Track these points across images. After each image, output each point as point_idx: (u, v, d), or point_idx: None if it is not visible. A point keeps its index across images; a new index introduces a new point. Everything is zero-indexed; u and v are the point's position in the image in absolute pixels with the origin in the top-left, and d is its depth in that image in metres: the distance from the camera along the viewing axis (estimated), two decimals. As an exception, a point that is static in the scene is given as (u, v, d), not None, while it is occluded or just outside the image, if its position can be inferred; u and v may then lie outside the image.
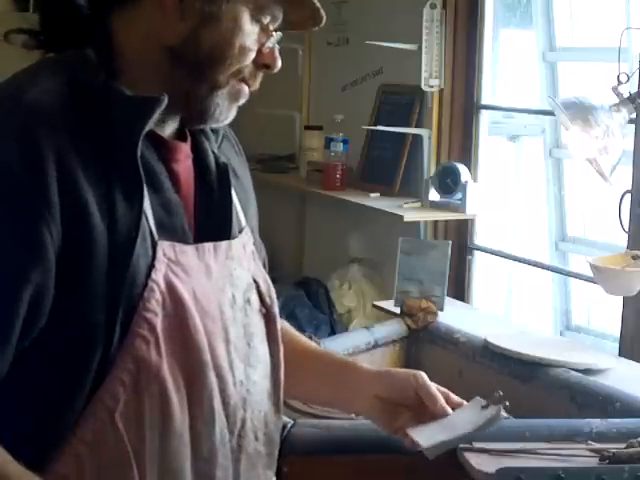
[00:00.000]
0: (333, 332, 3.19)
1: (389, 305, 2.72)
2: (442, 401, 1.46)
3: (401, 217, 3.05)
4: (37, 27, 1.25)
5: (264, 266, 1.50)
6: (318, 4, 1.28)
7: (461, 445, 1.67)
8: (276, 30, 1.26)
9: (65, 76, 1.18)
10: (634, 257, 2.32)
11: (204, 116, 1.25)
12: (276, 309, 1.38)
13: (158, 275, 1.17)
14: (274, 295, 1.38)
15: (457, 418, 1.45)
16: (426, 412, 1.46)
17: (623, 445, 1.67)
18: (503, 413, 1.45)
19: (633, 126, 2.45)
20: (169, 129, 1.26)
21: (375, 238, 3.50)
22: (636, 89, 2.35)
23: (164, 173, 1.23)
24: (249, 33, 1.22)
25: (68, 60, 1.21)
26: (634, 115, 2.37)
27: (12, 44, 1.24)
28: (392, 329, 2.56)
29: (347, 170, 3.45)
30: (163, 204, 1.21)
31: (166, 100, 1.19)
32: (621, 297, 2.51)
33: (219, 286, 1.25)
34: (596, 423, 1.79)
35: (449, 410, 1.45)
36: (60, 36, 1.23)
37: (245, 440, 1.29)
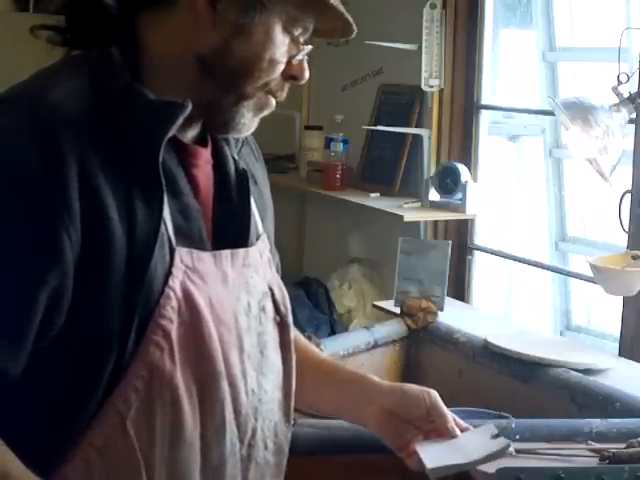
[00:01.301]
0: (333, 332, 3.19)
1: (389, 305, 2.72)
2: (452, 422, 1.42)
3: (401, 217, 3.05)
4: (62, 24, 1.24)
5: (277, 272, 1.50)
6: (349, 16, 1.26)
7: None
8: (306, 41, 1.25)
9: (88, 76, 1.17)
10: (634, 257, 2.32)
11: (227, 126, 1.25)
12: (290, 318, 1.36)
13: (175, 282, 1.16)
14: (289, 304, 1.36)
15: (466, 442, 1.42)
16: (433, 432, 1.42)
17: (623, 445, 1.67)
18: (512, 448, 1.45)
19: (633, 126, 2.45)
20: (191, 134, 1.25)
21: (375, 238, 3.50)
22: (636, 89, 2.35)
23: (184, 178, 1.22)
24: (279, 45, 1.21)
25: (92, 59, 1.20)
26: (634, 115, 2.37)
27: (38, 38, 1.23)
28: (392, 329, 2.56)
29: (347, 170, 3.45)
30: (182, 210, 1.20)
31: (190, 106, 1.17)
32: (621, 297, 2.51)
33: (235, 294, 1.25)
34: (596, 423, 1.79)
35: (458, 432, 1.41)
36: (86, 34, 1.22)
37: (255, 449, 1.28)
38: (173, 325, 1.15)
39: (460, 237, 3.24)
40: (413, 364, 2.57)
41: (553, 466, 1.63)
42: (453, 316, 2.60)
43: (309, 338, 2.28)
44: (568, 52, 3.15)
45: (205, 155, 1.26)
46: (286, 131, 3.91)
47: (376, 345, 2.50)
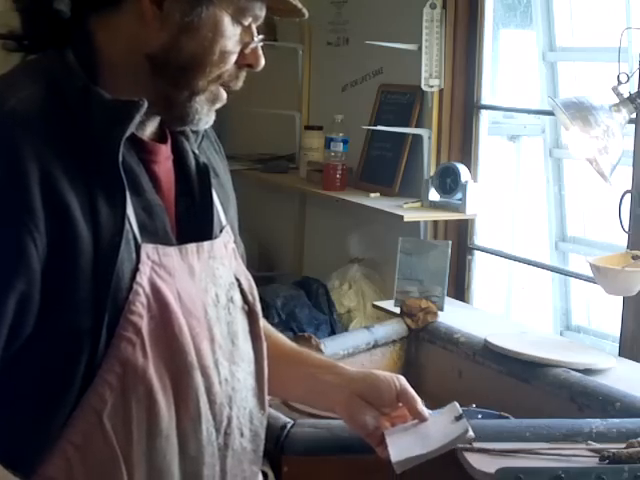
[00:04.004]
0: (333, 332, 3.18)
1: (389, 305, 2.72)
2: (421, 405, 1.47)
3: (401, 217, 3.05)
4: (18, 30, 1.26)
5: (243, 261, 1.52)
6: (298, 4, 1.28)
7: (460, 445, 1.67)
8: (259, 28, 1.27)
9: (43, 80, 1.19)
10: (634, 257, 2.32)
11: (184, 121, 1.26)
12: (258, 306, 1.39)
13: (142, 278, 1.18)
14: (256, 293, 1.39)
15: (431, 428, 1.45)
16: (400, 418, 1.47)
17: (623, 445, 1.67)
18: (470, 433, 1.44)
19: (633, 126, 2.45)
20: (149, 130, 1.27)
21: (375, 238, 3.50)
22: (636, 89, 2.34)
23: (145, 175, 1.24)
24: (230, 37, 1.22)
25: (47, 64, 1.21)
26: (634, 115, 2.37)
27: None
28: (392, 329, 2.56)
29: (347, 170, 3.45)
30: (145, 207, 1.22)
31: (145, 105, 1.19)
32: (621, 297, 2.51)
33: (202, 286, 1.27)
34: (596, 423, 1.79)
35: (427, 414, 1.46)
36: (40, 39, 1.24)
37: (231, 437, 1.30)
38: (143, 320, 1.17)
39: (460, 237, 3.24)
40: (413, 364, 2.57)
41: (553, 466, 1.63)
42: (453, 316, 2.60)
43: (309, 338, 2.28)
44: (568, 52, 3.15)
45: (165, 151, 1.28)
46: (286, 131, 3.91)
47: (376, 345, 2.50)
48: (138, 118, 1.19)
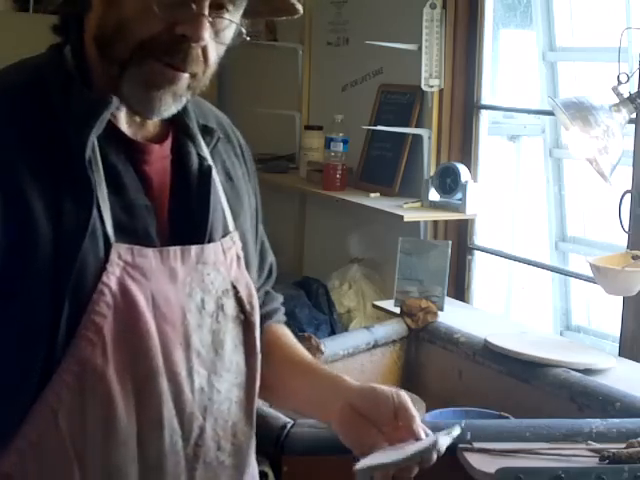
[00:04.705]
0: (333, 332, 3.19)
1: (389, 305, 2.72)
2: (419, 424, 1.29)
3: (401, 217, 3.05)
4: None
5: (270, 272, 1.50)
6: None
7: (461, 445, 1.67)
8: (252, 17, 1.23)
9: (29, 75, 1.20)
10: (634, 257, 2.32)
11: (130, 105, 1.20)
12: (256, 317, 1.33)
13: (110, 278, 1.16)
14: (256, 302, 1.34)
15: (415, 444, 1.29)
16: (397, 438, 1.28)
17: (623, 445, 1.67)
18: (440, 445, 1.28)
19: (633, 126, 2.45)
20: (146, 129, 1.26)
21: (375, 238, 3.50)
22: (636, 89, 2.34)
23: (131, 175, 1.21)
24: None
25: (39, 60, 1.22)
26: (634, 115, 2.37)
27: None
28: (392, 329, 2.56)
29: (347, 170, 3.45)
30: (125, 206, 1.19)
31: (114, 102, 1.18)
32: (621, 297, 2.51)
33: (186, 291, 1.23)
34: (596, 423, 1.79)
35: (423, 435, 1.28)
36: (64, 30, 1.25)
37: (203, 449, 1.26)
38: (106, 321, 1.15)
39: (460, 237, 3.24)
40: (413, 364, 2.57)
41: (553, 466, 1.63)
42: (453, 316, 2.60)
43: (309, 338, 2.28)
44: (568, 52, 3.15)
45: (158, 151, 1.26)
46: (286, 131, 3.91)
47: (376, 345, 2.50)
48: (107, 115, 1.17)
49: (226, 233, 1.31)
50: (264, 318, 1.44)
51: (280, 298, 1.55)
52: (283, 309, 1.55)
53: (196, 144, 1.30)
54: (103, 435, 1.16)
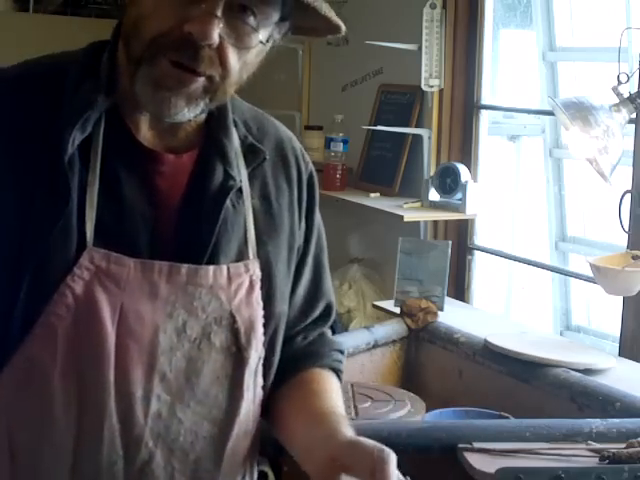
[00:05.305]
0: (333, 332, 3.18)
1: (389, 305, 2.72)
2: None
3: (401, 217, 3.05)
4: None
5: (324, 314, 1.43)
6: (336, 19, 1.23)
7: (461, 445, 1.67)
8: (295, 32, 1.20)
9: (52, 69, 1.19)
10: (634, 257, 2.32)
11: (142, 106, 1.16)
12: (252, 353, 1.23)
13: (77, 281, 1.12)
14: (255, 338, 1.23)
15: None
16: None
17: (623, 445, 1.67)
18: None
19: (633, 126, 2.45)
20: (177, 138, 1.21)
21: (375, 238, 3.50)
22: (636, 89, 2.34)
23: (134, 182, 1.17)
24: None
25: (72, 56, 1.21)
26: (634, 115, 2.37)
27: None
28: (392, 329, 2.56)
29: (347, 170, 3.45)
30: (118, 212, 1.15)
31: (100, 103, 1.15)
32: (621, 297, 2.51)
33: (167, 310, 1.16)
34: (596, 423, 1.79)
35: None
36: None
37: (150, 477, 1.18)
38: (63, 323, 1.12)
39: (460, 237, 3.24)
40: (413, 364, 2.57)
41: (553, 466, 1.63)
42: (453, 316, 2.60)
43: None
44: (568, 52, 3.15)
45: (175, 162, 1.20)
46: (286, 131, 3.91)
47: (376, 345, 2.50)
48: (94, 115, 1.14)
49: (240, 259, 1.22)
50: (307, 359, 1.36)
51: (336, 345, 1.44)
52: (339, 356, 1.43)
53: (226, 161, 1.23)
54: (39, 435, 1.14)
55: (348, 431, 1.20)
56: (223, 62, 1.13)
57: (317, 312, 1.42)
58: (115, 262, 1.14)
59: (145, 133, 1.19)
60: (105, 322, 1.12)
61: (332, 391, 1.33)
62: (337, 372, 1.39)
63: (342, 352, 1.44)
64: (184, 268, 1.17)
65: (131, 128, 1.19)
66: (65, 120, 1.14)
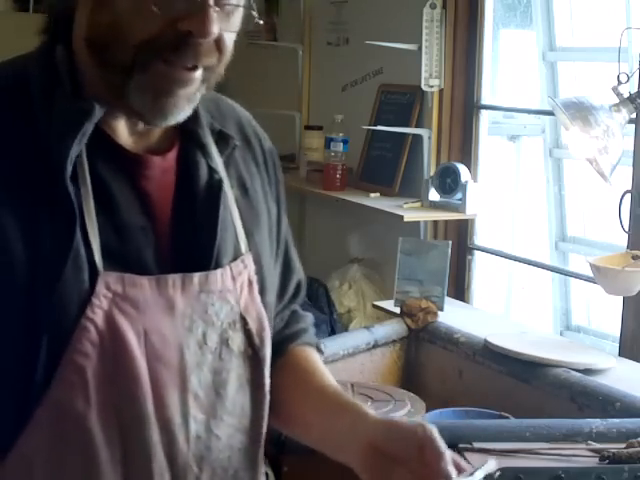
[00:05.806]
0: (333, 332, 3.19)
1: (389, 305, 2.72)
2: (448, 461, 1.09)
3: (401, 217, 3.05)
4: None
5: (296, 291, 1.36)
6: None
7: (461, 445, 1.67)
8: None
9: (14, 78, 1.07)
10: (634, 257, 2.32)
11: (139, 116, 1.07)
12: (266, 351, 1.19)
13: (97, 312, 1.03)
14: (267, 336, 1.19)
15: None
16: (426, 471, 1.09)
17: (623, 445, 1.67)
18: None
19: (633, 126, 2.45)
20: (152, 138, 1.12)
21: (375, 238, 3.50)
22: (636, 89, 2.34)
23: (126, 191, 1.08)
24: None
25: (26, 60, 1.10)
26: (634, 115, 2.37)
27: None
28: (392, 329, 2.56)
29: (347, 170, 3.45)
30: (117, 228, 1.06)
31: (96, 109, 1.04)
32: (621, 297, 2.51)
33: (185, 325, 1.09)
34: (596, 423, 1.79)
35: (454, 474, 1.09)
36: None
37: None
38: (90, 362, 1.02)
39: (460, 237, 3.24)
40: (413, 364, 2.57)
41: (553, 466, 1.63)
42: (453, 316, 2.60)
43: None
44: (568, 52, 3.15)
45: (161, 164, 1.12)
46: (286, 131, 3.91)
47: (376, 345, 2.50)
48: (90, 127, 1.04)
49: (237, 256, 1.16)
50: (287, 340, 1.31)
51: (309, 318, 1.39)
52: (313, 330, 1.38)
53: (206, 153, 1.15)
54: None
55: (370, 410, 1.17)
56: (220, 48, 1.05)
57: (291, 292, 1.36)
58: (130, 284, 1.05)
59: (126, 138, 1.10)
60: (134, 351, 1.04)
61: (324, 369, 1.31)
62: (317, 347, 1.37)
63: (313, 326, 1.40)
64: (196, 277, 1.10)
65: (110, 134, 1.09)
66: (60, 135, 1.03)
